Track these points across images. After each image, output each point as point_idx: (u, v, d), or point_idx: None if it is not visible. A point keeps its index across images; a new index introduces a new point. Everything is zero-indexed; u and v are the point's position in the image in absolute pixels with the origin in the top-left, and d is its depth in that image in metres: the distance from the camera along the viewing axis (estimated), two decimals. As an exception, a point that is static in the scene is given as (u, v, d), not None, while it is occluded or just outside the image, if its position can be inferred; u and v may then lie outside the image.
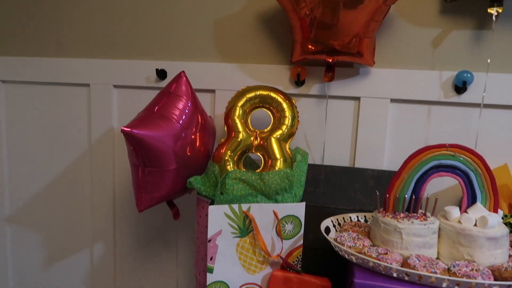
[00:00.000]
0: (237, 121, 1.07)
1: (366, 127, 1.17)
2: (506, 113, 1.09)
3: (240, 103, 1.08)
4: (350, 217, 1.06)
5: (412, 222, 0.84)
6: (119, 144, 1.34)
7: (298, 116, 1.08)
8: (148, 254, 1.37)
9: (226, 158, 1.04)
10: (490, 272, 0.77)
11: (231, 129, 1.07)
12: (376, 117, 1.16)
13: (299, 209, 0.99)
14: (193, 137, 1.03)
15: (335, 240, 0.90)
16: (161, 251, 1.36)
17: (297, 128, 1.07)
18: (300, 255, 1.01)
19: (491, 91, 1.07)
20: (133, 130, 0.89)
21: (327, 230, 0.99)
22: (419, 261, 0.79)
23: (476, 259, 0.81)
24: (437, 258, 0.87)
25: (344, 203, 1.16)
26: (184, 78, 1.04)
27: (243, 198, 0.96)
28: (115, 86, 1.32)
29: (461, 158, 0.84)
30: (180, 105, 0.99)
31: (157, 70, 1.26)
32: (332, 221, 1.02)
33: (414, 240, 0.83)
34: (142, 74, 1.29)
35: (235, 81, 1.23)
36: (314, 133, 1.21)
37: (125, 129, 0.88)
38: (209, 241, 0.94)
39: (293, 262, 1.00)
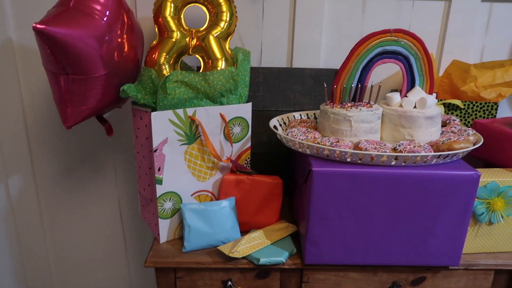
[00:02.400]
0: (169, 19, 0.94)
1: (303, 25, 1.13)
2: (433, 4, 1.12)
3: (169, -1, 0.95)
4: (294, 116, 1.05)
5: (360, 110, 0.86)
6: (21, 59, 1.13)
7: (236, 12, 0.99)
8: (80, 179, 1.25)
9: (162, 61, 0.93)
10: (430, 147, 0.83)
11: (163, 28, 0.95)
12: (313, 13, 1.12)
13: (245, 110, 0.95)
14: (119, 40, 0.89)
15: (287, 135, 0.90)
16: (95, 174, 1.25)
17: (235, 25, 0.99)
18: (248, 158, 1.00)
19: (421, -18, 1.09)
20: (49, 28, 0.73)
21: (275, 129, 0.98)
22: (369, 144, 0.83)
23: (416, 138, 0.87)
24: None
25: (285, 105, 1.15)
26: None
27: (187, 102, 0.88)
28: (4, -14, 1.07)
29: (403, 43, 0.86)
30: (100, -1, 0.84)
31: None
32: (278, 120, 1.01)
33: (362, 127, 0.86)
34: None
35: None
36: (250, 33, 1.14)
37: (38, 26, 0.72)
38: (155, 150, 0.86)
39: (243, 164, 0.99)
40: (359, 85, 0.89)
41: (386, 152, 0.79)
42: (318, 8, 1.11)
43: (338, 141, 0.84)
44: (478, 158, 1.01)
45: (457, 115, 1.06)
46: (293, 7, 1.12)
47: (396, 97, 0.89)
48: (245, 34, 1.14)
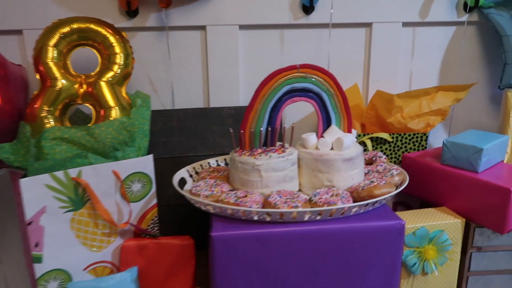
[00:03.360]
0: (51, 65, 0.82)
1: (217, 60, 1.03)
2: (353, 31, 1.06)
3: (52, 42, 0.83)
4: (208, 163, 0.94)
5: (270, 157, 0.76)
6: None
7: (133, 53, 0.88)
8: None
9: (43, 114, 0.80)
10: (349, 194, 0.74)
11: (44, 76, 0.82)
12: (226, 47, 1.03)
13: (146, 164, 0.83)
14: (-13, 92, 0.76)
15: (191, 191, 0.78)
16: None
17: (132, 67, 0.88)
18: (155, 216, 0.87)
19: (338, 10, 1.02)
20: None
21: (183, 182, 0.87)
22: (280, 197, 0.72)
23: (335, 183, 0.77)
24: (299, 190, 0.82)
25: (203, 149, 1.04)
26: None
27: (69, 162, 0.75)
28: None
29: (313, 79, 0.77)
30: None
31: None
32: (188, 170, 0.89)
33: (273, 176, 0.76)
34: None
35: (47, 16, 0.95)
36: (159, 73, 1.03)
37: None
38: (29, 223, 0.72)
39: (148, 225, 0.86)
40: (269, 128, 0.79)
41: (297, 206, 0.69)
42: (231, 42, 1.02)
43: (246, 195, 0.73)
44: (414, 196, 0.93)
45: (386, 149, 0.98)
46: (204, 41, 1.02)
47: (311, 138, 0.80)
48: (154, 73, 1.03)
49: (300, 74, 0.77)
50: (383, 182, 0.74)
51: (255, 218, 0.70)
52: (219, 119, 1.04)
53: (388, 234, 0.70)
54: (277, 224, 0.69)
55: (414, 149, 0.98)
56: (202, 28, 1.01)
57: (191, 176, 0.89)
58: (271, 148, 0.80)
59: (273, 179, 0.76)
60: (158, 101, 1.05)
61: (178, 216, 1.00)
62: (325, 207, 0.69)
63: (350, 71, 1.08)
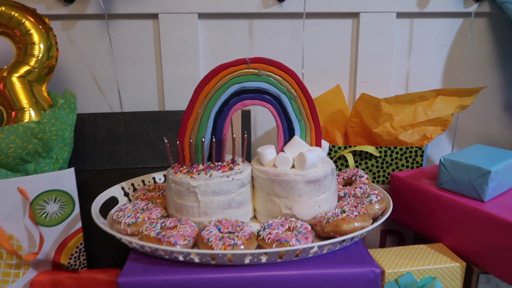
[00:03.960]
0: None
1: (172, 55, 0.87)
2: (337, 23, 0.88)
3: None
4: (153, 178, 0.78)
5: (210, 176, 0.59)
6: None
7: (57, 43, 0.73)
8: None
9: None
10: (310, 228, 0.56)
11: None
12: (183, 39, 0.86)
13: (65, 180, 0.67)
14: None
15: (112, 217, 0.62)
16: None
17: (57, 60, 0.73)
18: (81, 243, 0.71)
19: (317, -4, 0.85)
20: None
21: (114, 202, 0.70)
22: (219, 229, 0.55)
23: (296, 211, 0.60)
24: (254, 216, 0.64)
25: (155, 160, 0.88)
26: None
27: (-44, 178, 0.60)
28: None
29: (270, 78, 0.60)
30: None
31: None
32: (123, 188, 0.73)
33: (214, 201, 0.59)
34: None
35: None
36: (104, 70, 0.87)
37: None
38: None
39: (72, 254, 0.70)
40: (213, 139, 0.62)
41: (236, 244, 0.51)
42: (189, 33, 0.86)
43: (175, 226, 0.56)
44: (405, 225, 0.74)
45: (372, 166, 0.80)
46: (156, 33, 0.86)
47: (269, 152, 0.63)
48: (97, 69, 0.88)
49: (251, 70, 0.60)
50: (355, 213, 0.56)
51: (180, 258, 0.53)
52: (175, 124, 0.87)
53: (359, 284, 0.52)
54: (209, 267, 0.52)
55: (407, 167, 0.80)
56: (154, 16, 0.85)
57: (127, 194, 0.73)
58: (217, 164, 0.63)
59: (214, 205, 0.59)
60: (105, 102, 0.89)
61: (114, 243, 0.84)
62: (272, 248, 0.51)
63: (333, 70, 0.91)
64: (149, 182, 0.77)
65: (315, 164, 0.61)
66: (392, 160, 0.79)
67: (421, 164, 0.79)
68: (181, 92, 0.89)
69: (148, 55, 0.87)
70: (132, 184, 0.75)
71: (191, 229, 0.56)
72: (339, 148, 0.80)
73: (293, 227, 0.56)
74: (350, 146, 0.79)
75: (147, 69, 0.88)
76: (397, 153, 0.79)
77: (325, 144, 0.66)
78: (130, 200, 0.72)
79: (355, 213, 0.56)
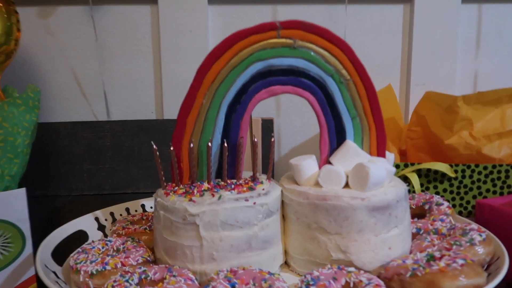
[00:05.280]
0: None
1: (175, 47, 0.69)
2: (385, 9, 0.70)
3: None
4: (143, 205, 0.57)
5: (219, 198, 0.38)
6: None
7: (19, 22, 0.55)
8: None
9: None
10: (382, 285, 0.34)
11: None
12: (189, 30, 0.68)
13: (12, 205, 0.47)
14: None
15: (69, 263, 0.40)
16: None
17: (16, 44, 0.54)
18: (34, 297, 0.49)
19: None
20: None
21: (84, 237, 0.49)
22: (233, 286, 0.33)
23: (354, 256, 0.38)
24: (286, 262, 0.43)
25: (149, 183, 0.68)
26: None
27: None
28: None
29: (311, 53, 0.40)
30: None
31: None
32: (98, 218, 0.52)
33: (226, 238, 0.37)
34: None
35: None
36: (87, 66, 0.69)
37: None
38: None
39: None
40: (225, 143, 0.41)
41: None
42: (197, 22, 0.68)
43: (162, 279, 0.35)
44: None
45: (444, 191, 0.58)
46: (155, 21, 0.68)
47: (308, 165, 0.42)
48: (81, 69, 0.69)
49: (282, 40, 0.40)
50: (459, 261, 0.34)
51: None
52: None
53: None
54: None
55: (495, 192, 0.57)
56: (152, 1, 0.67)
57: (102, 228, 0.52)
58: (230, 182, 0.42)
59: (225, 245, 0.37)
60: (87, 108, 0.71)
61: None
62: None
63: (380, 69, 0.71)
64: (135, 211, 0.56)
65: (381, 182, 0.39)
66: (472, 183, 0.57)
67: (515, 189, 0.57)
68: (184, 96, 0.69)
69: (144, 49, 0.69)
70: (112, 214, 0.54)
71: (187, 284, 0.34)
72: (397, 166, 0.58)
73: (354, 283, 0.34)
74: (412, 164, 0.58)
75: (142, 67, 0.70)
76: (479, 173, 0.57)
77: (390, 156, 0.45)
78: (106, 236, 0.51)
79: (459, 262, 0.34)
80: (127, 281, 0.35)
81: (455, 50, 0.70)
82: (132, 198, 0.62)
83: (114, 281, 0.35)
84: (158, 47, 0.69)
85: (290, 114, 0.72)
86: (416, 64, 0.70)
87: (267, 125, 0.69)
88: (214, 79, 0.41)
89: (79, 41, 0.68)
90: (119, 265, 0.39)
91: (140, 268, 0.37)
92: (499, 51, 0.71)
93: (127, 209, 0.56)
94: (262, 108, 0.70)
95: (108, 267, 0.38)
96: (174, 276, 0.35)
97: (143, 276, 0.36)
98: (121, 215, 0.54)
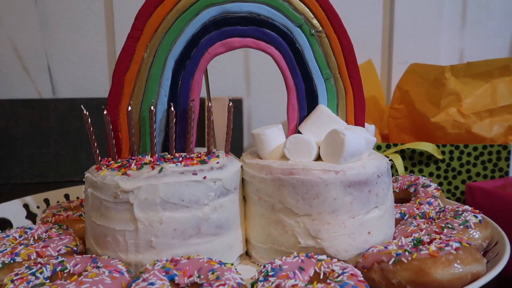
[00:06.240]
0: None
1: (132, 13, 0.61)
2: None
3: None
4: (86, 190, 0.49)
5: (160, 171, 0.30)
6: None
7: None
8: None
9: None
10: (361, 276, 0.27)
11: None
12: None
13: None
14: None
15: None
16: None
17: None
18: None
19: None
20: None
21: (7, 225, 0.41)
22: (171, 279, 0.26)
23: (326, 242, 0.31)
24: (246, 253, 0.35)
25: (100, 169, 0.59)
26: None
27: None
28: None
29: None
30: None
31: None
32: (28, 205, 0.44)
33: (168, 220, 0.30)
34: None
35: None
36: (29, 37, 0.61)
37: None
38: None
39: None
40: (172, 108, 0.34)
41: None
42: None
43: (81, 273, 0.27)
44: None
45: (431, 175, 0.52)
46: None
47: (272, 134, 0.35)
48: (21, 40, 0.61)
49: (242, -19, 0.33)
50: (454, 245, 0.27)
51: None
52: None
53: None
54: None
55: (485, 176, 0.51)
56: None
57: (32, 217, 0.44)
58: (178, 155, 0.34)
59: (168, 230, 0.30)
60: (30, 84, 0.62)
61: None
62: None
63: (358, 42, 0.65)
64: (77, 198, 0.47)
65: (359, 152, 0.33)
66: (461, 165, 0.51)
67: (507, 172, 0.51)
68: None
69: (95, 18, 0.61)
70: (47, 201, 0.46)
71: (111, 277, 0.27)
72: (378, 147, 0.52)
73: (324, 274, 0.27)
74: (395, 145, 0.52)
75: (93, 38, 0.62)
76: (469, 154, 0.51)
77: (369, 127, 0.38)
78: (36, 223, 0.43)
79: (454, 245, 0.27)
80: (33, 274, 0.27)
81: (439, 26, 0.65)
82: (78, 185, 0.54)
83: (16, 275, 0.27)
84: (111, 14, 0.61)
85: (262, 94, 0.65)
86: (398, 40, 0.65)
87: (236, 106, 0.62)
88: (158, 27, 0.33)
89: (17, 6, 0.59)
90: (33, 256, 0.31)
91: (57, 259, 0.29)
92: (486, 27, 0.66)
93: (67, 196, 0.47)
94: (229, 85, 0.63)
95: (18, 259, 0.30)
96: (97, 267, 0.28)
97: (58, 269, 0.28)
98: (58, 201, 0.46)
